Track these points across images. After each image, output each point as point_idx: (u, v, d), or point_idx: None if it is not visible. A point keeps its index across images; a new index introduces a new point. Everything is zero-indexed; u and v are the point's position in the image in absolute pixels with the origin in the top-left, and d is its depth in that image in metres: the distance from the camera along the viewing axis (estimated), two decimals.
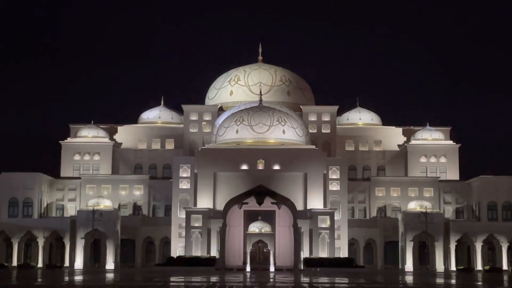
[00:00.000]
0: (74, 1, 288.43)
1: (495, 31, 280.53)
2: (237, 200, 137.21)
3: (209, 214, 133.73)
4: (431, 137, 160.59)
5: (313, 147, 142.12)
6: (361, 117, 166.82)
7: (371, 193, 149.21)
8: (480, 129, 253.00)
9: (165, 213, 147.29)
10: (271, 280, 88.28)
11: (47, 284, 73.78)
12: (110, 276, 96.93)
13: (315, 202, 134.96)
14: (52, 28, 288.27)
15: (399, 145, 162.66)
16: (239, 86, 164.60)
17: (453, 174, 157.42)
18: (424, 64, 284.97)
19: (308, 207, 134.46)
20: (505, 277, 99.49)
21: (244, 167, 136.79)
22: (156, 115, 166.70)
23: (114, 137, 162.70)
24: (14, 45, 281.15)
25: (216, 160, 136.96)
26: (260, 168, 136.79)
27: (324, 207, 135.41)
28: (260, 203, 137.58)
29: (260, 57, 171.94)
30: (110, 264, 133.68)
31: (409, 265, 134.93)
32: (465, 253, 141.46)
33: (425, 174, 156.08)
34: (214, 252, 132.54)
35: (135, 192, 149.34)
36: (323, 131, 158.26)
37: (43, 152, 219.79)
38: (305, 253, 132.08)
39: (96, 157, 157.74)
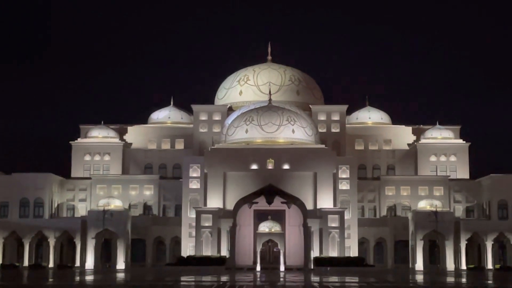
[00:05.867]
0: (84, 3, 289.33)
1: (507, 29, 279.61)
2: (247, 200, 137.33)
3: (219, 214, 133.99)
4: (441, 135, 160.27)
5: (323, 146, 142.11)
6: (370, 116, 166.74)
7: (381, 192, 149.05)
8: (490, 127, 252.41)
9: (175, 213, 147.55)
10: (282, 279, 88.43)
11: (59, 284, 74.15)
12: (121, 276, 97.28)
13: (325, 202, 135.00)
14: (63, 29, 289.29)
15: (408, 144, 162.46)
16: (248, 86, 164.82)
17: (463, 172, 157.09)
18: (433, 63, 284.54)
19: (318, 207, 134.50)
20: None
21: (254, 166, 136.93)
22: (166, 115, 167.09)
23: (124, 137, 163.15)
24: (25, 46, 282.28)
25: (226, 160, 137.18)
26: (270, 167, 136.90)
27: (334, 206, 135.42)
28: (270, 202, 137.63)
29: (269, 57, 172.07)
30: (120, 264, 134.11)
31: (419, 264, 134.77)
32: (475, 252, 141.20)
33: (435, 173, 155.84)
34: (224, 252, 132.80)
35: (145, 192, 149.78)
36: (333, 130, 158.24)
37: (53, 153, 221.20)
38: (315, 253, 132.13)
39: (106, 157, 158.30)
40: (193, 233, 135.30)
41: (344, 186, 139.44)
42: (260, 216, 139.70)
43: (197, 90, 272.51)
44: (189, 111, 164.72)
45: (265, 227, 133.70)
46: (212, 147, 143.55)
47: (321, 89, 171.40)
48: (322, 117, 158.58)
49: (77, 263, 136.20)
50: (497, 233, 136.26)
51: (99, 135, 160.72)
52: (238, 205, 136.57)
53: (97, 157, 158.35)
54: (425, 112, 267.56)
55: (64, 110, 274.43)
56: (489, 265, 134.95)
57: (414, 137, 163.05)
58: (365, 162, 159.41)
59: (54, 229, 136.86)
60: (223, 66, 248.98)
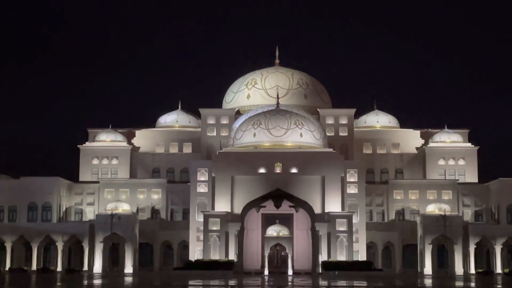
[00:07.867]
0: (91, 5, 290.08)
1: None
2: (255, 204, 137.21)
3: (227, 218, 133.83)
4: (449, 139, 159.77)
5: (331, 150, 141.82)
6: (378, 120, 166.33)
7: (389, 196, 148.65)
8: (498, 131, 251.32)
9: (183, 217, 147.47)
10: (289, 283, 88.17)
11: None
12: (128, 280, 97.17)
13: (333, 205, 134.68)
14: (71, 32, 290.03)
15: (417, 148, 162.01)
16: (256, 90, 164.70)
17: (471, 176, 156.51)
18: (442, 66, 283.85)
19: (326, 210, 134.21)
20: None
21: (262, 170, 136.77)
22: (174, 119, 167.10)
23: (132, 141, 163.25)
24: (32, 50, 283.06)
25: (234, 164, 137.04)
26: (278, 171, 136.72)
27: (342, 210, 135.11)
28: (277, 206, 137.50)
29: (277, 61, 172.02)
30: (128, 268, 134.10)
31: (428, 269, 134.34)
32: (484, 256, 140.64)
33: (443, 177, 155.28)
34: (232, 256, 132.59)
35: (153, 196, 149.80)
36: (341, 134, 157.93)
37: (61, 157, 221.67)
38: (323, 257, 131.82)
39: (114, 161, 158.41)
40: (201, 237, 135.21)
41: (352, 190, 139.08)
42: (268, 220, 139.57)
43: (204, 94, 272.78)
44: (197, 114, 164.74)
45: (273, 231, 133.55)
46: (220, 151, 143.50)
47: (329, 92, 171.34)
48: (330, 121, 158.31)
49: (85, 267, 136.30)
50: (506, 237, 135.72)
51: (107, 139, 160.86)
52: (246, 209, 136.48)
53: (105, 161, 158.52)
54: (433, 116, 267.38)
55: (72, 114, 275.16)
56: (498, 270, 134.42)
57: (423, 141, 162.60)
58: (373, 166, 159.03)
59: (62, 233, 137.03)
60: (230, 69, 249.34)
